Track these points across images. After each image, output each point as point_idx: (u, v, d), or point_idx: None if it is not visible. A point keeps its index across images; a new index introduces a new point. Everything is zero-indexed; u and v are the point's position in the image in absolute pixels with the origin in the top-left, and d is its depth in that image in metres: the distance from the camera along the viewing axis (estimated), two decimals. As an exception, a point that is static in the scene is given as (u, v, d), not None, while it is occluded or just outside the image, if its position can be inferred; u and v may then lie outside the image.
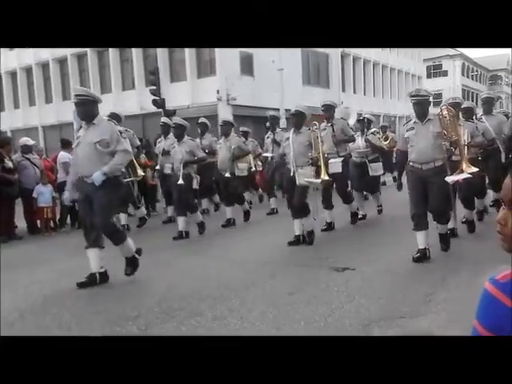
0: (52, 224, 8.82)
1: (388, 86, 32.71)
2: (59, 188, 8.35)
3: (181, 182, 6.96)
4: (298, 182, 6.09)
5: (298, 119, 6.40)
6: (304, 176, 6.10)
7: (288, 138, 6.42)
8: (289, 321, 3.56)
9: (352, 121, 8.41)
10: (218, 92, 19.63)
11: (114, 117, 7.79)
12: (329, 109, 7.44)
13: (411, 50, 36.11)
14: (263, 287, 4.49)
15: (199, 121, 9.73)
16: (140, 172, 7.84)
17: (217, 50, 19.84)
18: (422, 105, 5.10)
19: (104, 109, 20.42)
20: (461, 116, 6.19)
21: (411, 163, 5.19)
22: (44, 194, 8.24)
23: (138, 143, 8.12)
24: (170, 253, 6.30)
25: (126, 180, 7.39)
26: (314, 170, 6.17)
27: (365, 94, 30.33)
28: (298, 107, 6.48)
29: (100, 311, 4.04)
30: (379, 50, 31.63)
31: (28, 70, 26.61)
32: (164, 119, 9.02)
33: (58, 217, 9.02)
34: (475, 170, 5.07)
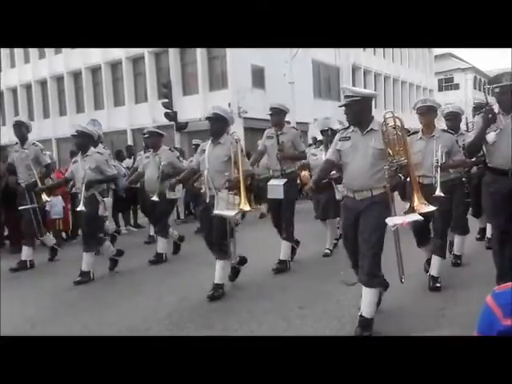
0: (64, 235, 8.92)
1: (399, 99, 32.68)
2: (71, 199, 8.45)
3: (81, 207, 5.50)
4: (214, 212, 4.59)
5: (215, 125, 4.82)
6: (223, 203, 4.61)
7: (204, 151, 4.91)
8: (299, 334, 3.54)
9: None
10: (229, 105, 19.76)
11: (20, 125, 6.57)
12: (277, 113, 5.77)
13: (422, 62, 36.11)
14: (273, 300, 4.47)
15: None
16: (45, 197, 6.32)
17: (228, 63, 20.03)
18: (353, 107, 3.64)
19: (118, 121, 20.67)
20: (438, 124, 4.95)
21: (345, 191, 3.86)
22: (56, 205, 8.31)
23: (48, 161, 6.74)
24: (180, 265, 6.31)
25: (23, 207, 6.43)
26: (234, 196, 4.62)
27: (375, 107, 30.21)
28: (216, 109, 4.89)
29: (110, 323, 4.06)
30: (390, 62, 31.67)
31: (43, 84, 27.06)
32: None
33: (70, 228, 9.10)
34: (432, 208, 3.63)
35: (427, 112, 4.69)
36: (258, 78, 20.94)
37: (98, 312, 4.38)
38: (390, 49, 31.80)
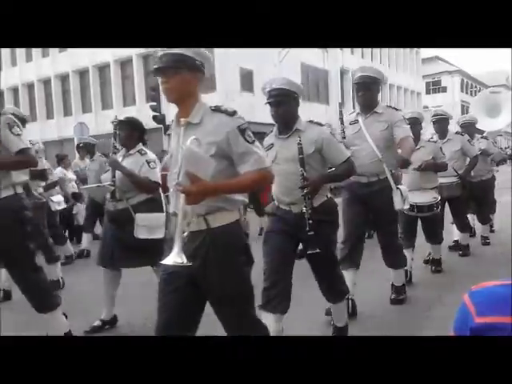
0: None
1: (387, 101, 32.97)
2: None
3: None
4: None
5: None
6: None
7: None
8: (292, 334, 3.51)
9: None
10: (218, 108, 19.77)
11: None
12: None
13: (410, 66, 36.45)
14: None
15: None
16: None
17: (217, 66, 20.00)
18: None
19: (106, 124, 20.40)
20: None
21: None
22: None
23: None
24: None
25: None
26: None
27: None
28: None
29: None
30: (378, 65, 31.91)
31: (30, 86, 26.84)
32: None
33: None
34: None
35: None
36: (247, 80, 20.99)
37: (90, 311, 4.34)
38: (378, 52, 32.07)
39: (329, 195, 3.20)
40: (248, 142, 2.13)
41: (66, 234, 8.99)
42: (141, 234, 3.73)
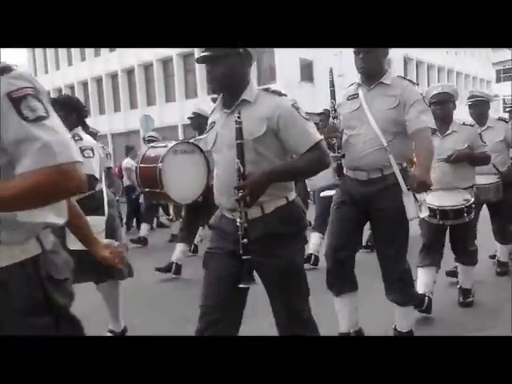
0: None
1: (454, 90, 31.57)
2: (127, 192, 8.93)
3: None
4: None
5: None
6: None
7: None
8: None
9: None
10: (278, 99, 19.76)
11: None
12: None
13: (479, 53, 34.63)
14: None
15: None
16: None
17: (277, 57, 20.00)
18: None
19: (170, 116, 20.96)
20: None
21: None
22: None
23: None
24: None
25: None
26: None
27: (429, 100, 29.44)
28: None
29: (164, 311, 4.20)
30: (444, 54, 30.57)
31: (98, 81, 28.08)
32: None
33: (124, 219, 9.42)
34: None
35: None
36: (307, 71, 20.82)
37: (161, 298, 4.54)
38: (445, 39, 30.69)
39: (291, 197, 2.15)
40: (26, 119, 1.17)
41: (134, 221, 9.42)
42: (72, 244, 2.46)
